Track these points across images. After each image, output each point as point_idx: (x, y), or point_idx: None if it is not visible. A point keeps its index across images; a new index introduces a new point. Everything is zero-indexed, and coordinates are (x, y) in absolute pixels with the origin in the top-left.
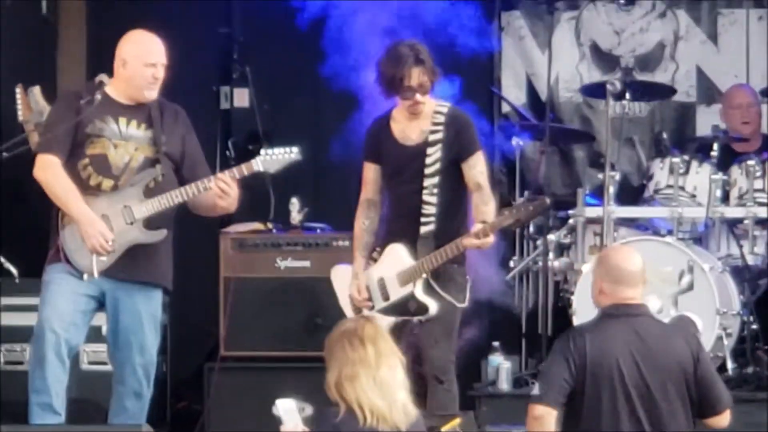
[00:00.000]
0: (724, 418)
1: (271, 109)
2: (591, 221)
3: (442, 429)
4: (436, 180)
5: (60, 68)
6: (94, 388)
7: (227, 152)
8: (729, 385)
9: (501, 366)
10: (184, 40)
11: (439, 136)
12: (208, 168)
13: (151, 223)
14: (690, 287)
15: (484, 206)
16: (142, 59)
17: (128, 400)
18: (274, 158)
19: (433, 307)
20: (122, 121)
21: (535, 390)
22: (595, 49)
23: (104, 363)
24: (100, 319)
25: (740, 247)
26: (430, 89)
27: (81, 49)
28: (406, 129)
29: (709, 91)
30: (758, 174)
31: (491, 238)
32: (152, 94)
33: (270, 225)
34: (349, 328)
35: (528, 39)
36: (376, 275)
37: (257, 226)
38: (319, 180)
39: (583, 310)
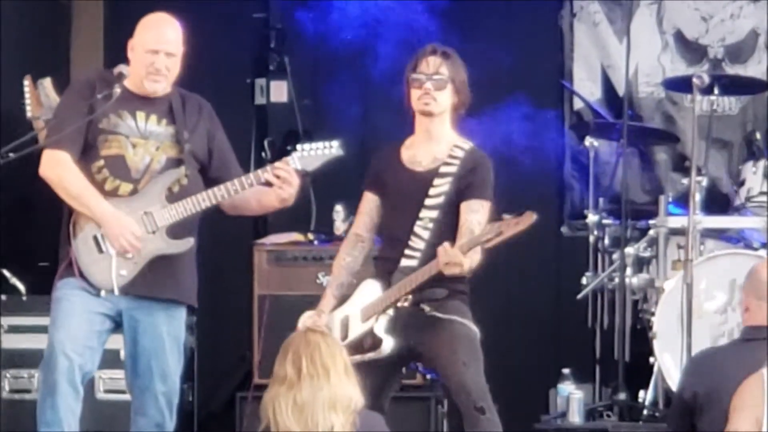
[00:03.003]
0: None
1: (313, 104)
2: (674, 232)
3: None
4: (434, 214)
5: (74, 58)
6: (111, 419)
7: (263, 153)
8: None
9: (572, 396)
10: (214, 27)
11: (453, 169)
12: (239, 167)
13: (175, 231)
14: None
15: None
16: (144, 45)
17: None
18: (312, 154)
19: (388, 344)
20: (140, 116)
21: None
22: (680, 37)
23: (122, 391)
24: (118, 342)
25: None
26: (447, 91)
27: (98, 37)
28: (418, 154)
29: None
30: None
31: (461, 258)
32: (154, 87)
33: (311, 236)
34: (285, 341)
35: (603, 26)
36: (341, 314)
37: (296, 237)
38: None
39: (664, 333)
